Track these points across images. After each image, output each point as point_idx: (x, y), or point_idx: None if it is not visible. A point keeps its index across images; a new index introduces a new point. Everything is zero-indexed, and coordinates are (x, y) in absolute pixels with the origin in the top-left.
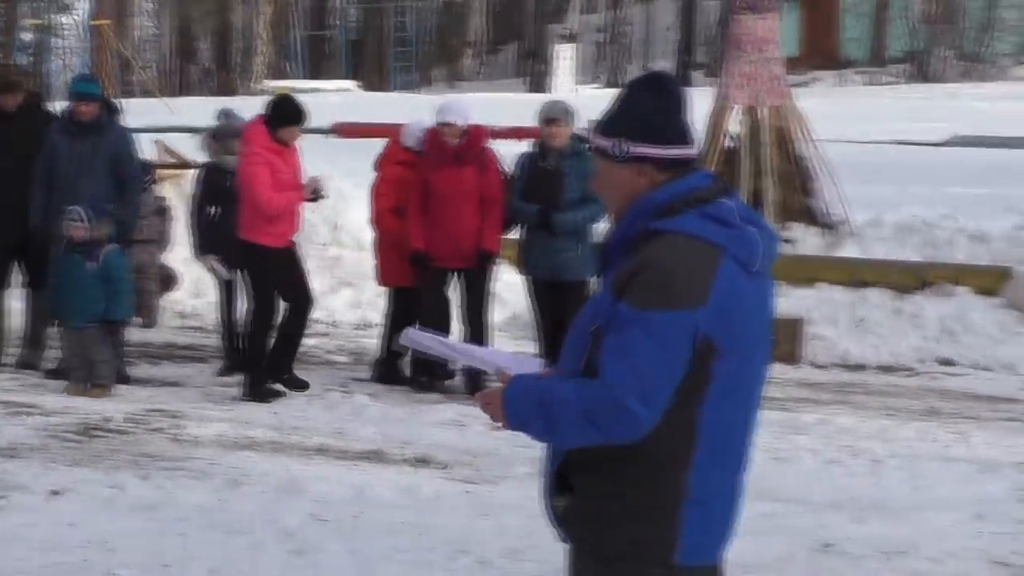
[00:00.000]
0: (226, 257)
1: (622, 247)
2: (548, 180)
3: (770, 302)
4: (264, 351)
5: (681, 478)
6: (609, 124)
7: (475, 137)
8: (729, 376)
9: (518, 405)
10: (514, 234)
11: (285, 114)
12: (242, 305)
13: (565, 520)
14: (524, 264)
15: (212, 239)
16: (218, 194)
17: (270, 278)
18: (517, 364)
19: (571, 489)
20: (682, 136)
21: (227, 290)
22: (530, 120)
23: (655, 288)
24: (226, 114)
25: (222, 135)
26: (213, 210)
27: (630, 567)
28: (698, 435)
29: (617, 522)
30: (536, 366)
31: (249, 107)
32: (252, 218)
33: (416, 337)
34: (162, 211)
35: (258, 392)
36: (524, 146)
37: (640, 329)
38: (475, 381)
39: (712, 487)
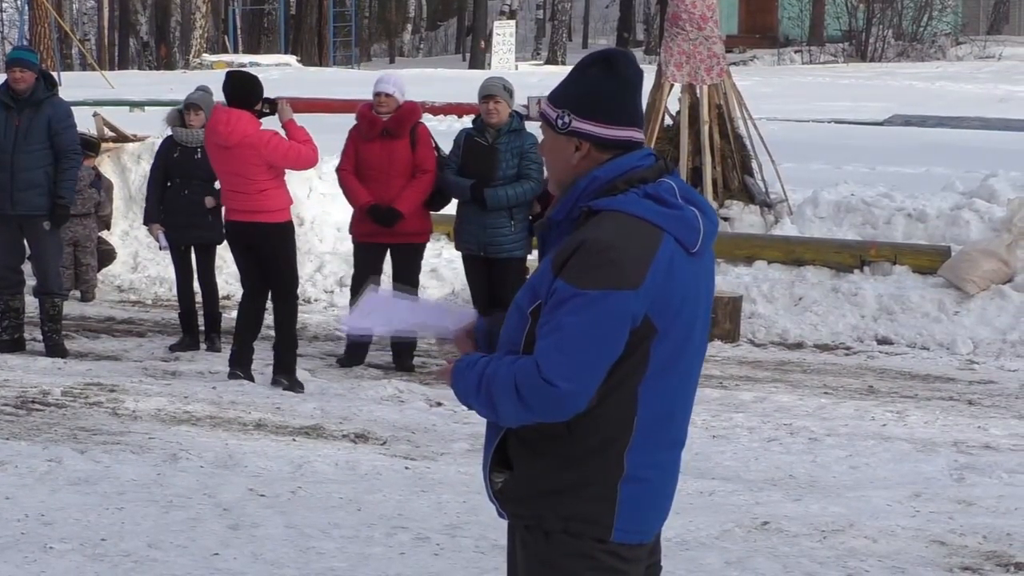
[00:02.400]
0: (172, 230)
1: (563, 226)
2: (483, 156)
3: (710, 282)
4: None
5: (618, 457)
6: (558, 95)
7: (407, 113)
8: (668, 355)
9: (462, 382)
10: (451, 209)
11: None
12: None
13: (503, 496)
14: (457, 239)
15: (163, 210)
16: (170, 167)
17: (293, 253)
18: (453, 321)
19: (510, 466)
20: (627, 117)
21: (182, 265)
22: (469, 96)
23: (593, 267)
24: (203, 89)
25: (187, 107)
26: (169, 183)
27: (567, 543)
28: (636, 414)
29: (554, 499)
30: (469, 316)
31: (189, 81)
32: (281, 193)
33: (354, 324)
34: (97, 184)
35: (294, 378)
36: (464, 122)
37: (575, 307)
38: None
39: (649, 465)
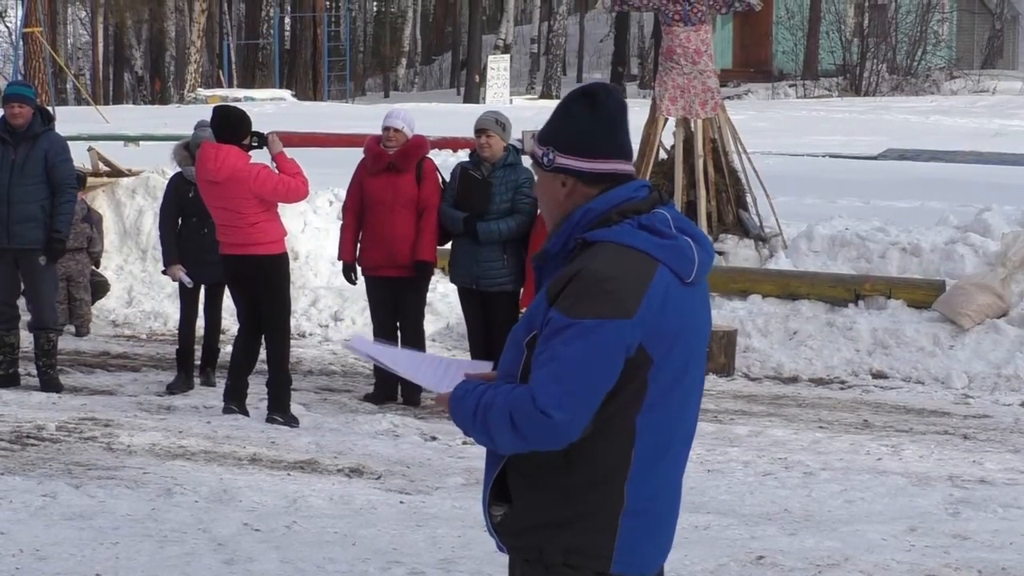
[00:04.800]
0: (191, 268)
1: (559, 258)
2: (477, 189)
3: (706, 312)
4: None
5: (618, 488)
6: (544, 132)
7: (414, 147)
8: (665, 385)
9: (459, 410)
10: (449, 244)
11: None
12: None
13: (502, 529)
14: (452, 272)
15: (177, 249)
16: (184, 205)
17: (286, 286)
18: (448, 379)
19: (509, 499)
20: (610, 151)
21: (188, 302)
22: (463, 131)
23: (587, 297)
24: (203, 125)
25: (196, 146)
26: (180, 220)
27: (566, 575)
28: (635, 445)
29: (554, 532)
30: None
31: (184, 116)
32: (273, 226)
33: (359, 346)
34: (89, 219)
35: (289, 414)
36: (460, 156)
37: (570, 337)
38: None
39: (650, 497)
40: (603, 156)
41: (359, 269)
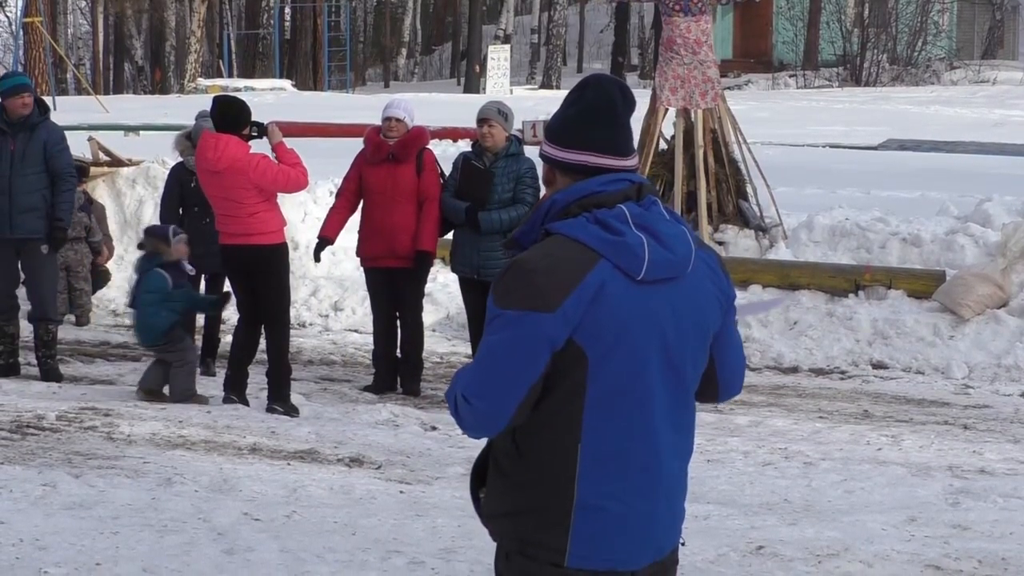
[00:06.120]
0: (194, 258)
1: (525, 246)
2: (479, 179)
3: (682, 310)
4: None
5: (568, 483)
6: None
7: (414, 137)
8: (614, 383)
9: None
10: (449, 235)
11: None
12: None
13: (482, 511)
14: (453, 262)
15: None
16: (186, 195)
17: (286, 275)
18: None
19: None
20: (586, 142)
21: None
22: (463, 121)
23: (514, 288)
24: (204, 115)
25: (197, 136)
26: (181, 210)
27: (523, 565)
28: (581, 440)
29: (510, 521)
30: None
31: (184, 106)
32: (272, 216)
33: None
34: (87, 208)
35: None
36: (460, 147)
37: (495, 326)
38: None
39: (605, 495)
40: (577, 147)
41: (358, 260)
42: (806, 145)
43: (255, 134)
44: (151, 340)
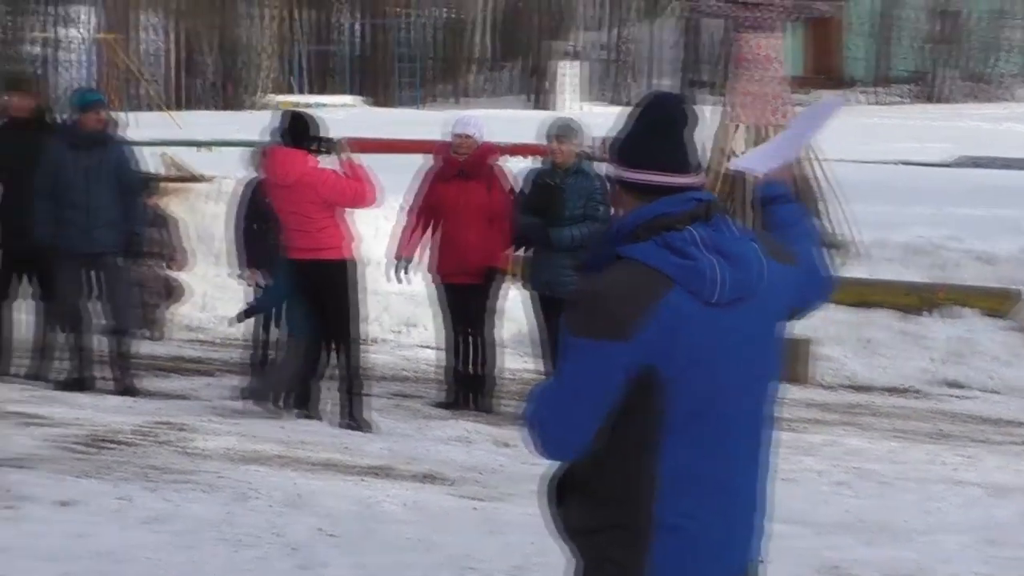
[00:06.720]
0: (268, 272)
1: (595, 270)
2: (550, 196)
3: (752, 327)
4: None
5: (647, 502)
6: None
7: (484, 153)
8: (692, 406)
9: None
10: (521, 251)
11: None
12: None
13: (559, 529)
14: (528, 279)
15: (254, 254)
16: (260, 209)
17: (355, 291)
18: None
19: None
20: (649, 160)
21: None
22: (533, 137)
23: (585, 315)
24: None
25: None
26: (256, 226)
27: None
28: (660, 461)
29: (590, 538)
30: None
31: (256, 121)
32: (341, 230)
33: (744, 164)
34: (159, 223)
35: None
36: (529, 163)
37: (568, 354)
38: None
39: (684, 515)
40: (640, 165)
41: (430, 276)
42: (877, 162)
43: (324, 149)
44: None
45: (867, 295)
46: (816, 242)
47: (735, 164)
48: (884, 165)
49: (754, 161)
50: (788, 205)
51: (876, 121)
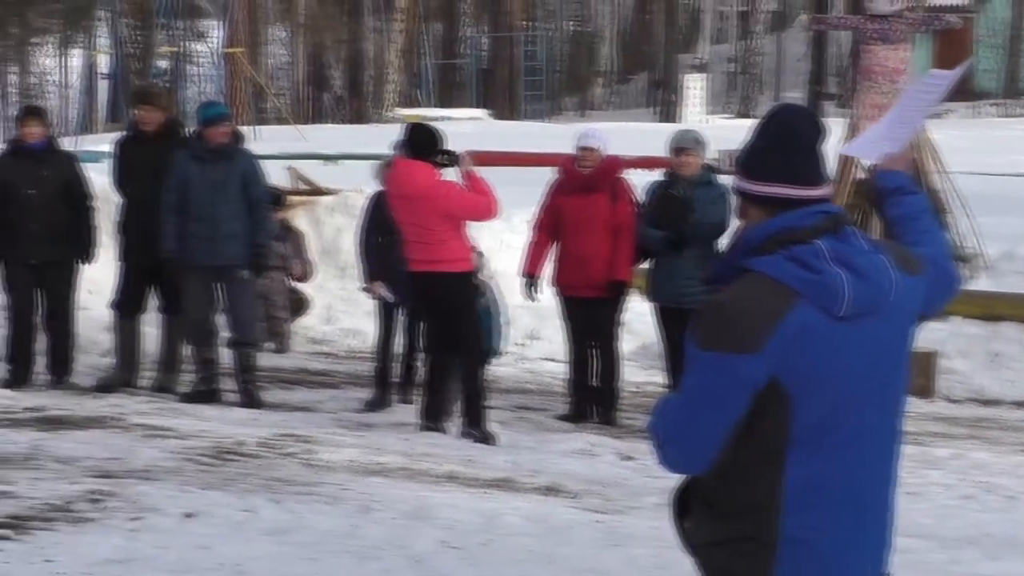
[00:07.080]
0: (393, 286)
1: (722, 283)
2: (676, 208)
3: (880, 340)
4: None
5: (773, 515)
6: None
7: (609, 166)
8: (818, 419)
9: None
10: (646, 263)
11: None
12: (399, 337)
13: (685, 541)
14: (651, 291)
15: (379, 267)
16: (386, 222)
17: (476, 304)
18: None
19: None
20: (774, 173)
21: (387, 321)
22: (658, 150)
23: (712, 328)
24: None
25: None
26: (380, 238)
27: None
28: (786, 474)
29: (716, 551)
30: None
31: (382, 135)
32: (461, 243)
33: (854, 149)
34: (284, 236)
35: (484, 431)
36: (655, 176)
37: (694, 367)
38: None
39: (809, 527)
40: (766, 178)
41: (553, 289)
42: (1006, 174)
43: (446, 162)
44: None
45: (995, 308)
46: (942, 239)
47: (845, 150)
48: (1013, 178)
49: (865, 146)
50: (909, 196)
51: (1006, 133)
